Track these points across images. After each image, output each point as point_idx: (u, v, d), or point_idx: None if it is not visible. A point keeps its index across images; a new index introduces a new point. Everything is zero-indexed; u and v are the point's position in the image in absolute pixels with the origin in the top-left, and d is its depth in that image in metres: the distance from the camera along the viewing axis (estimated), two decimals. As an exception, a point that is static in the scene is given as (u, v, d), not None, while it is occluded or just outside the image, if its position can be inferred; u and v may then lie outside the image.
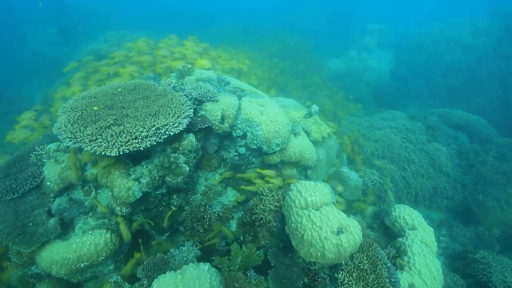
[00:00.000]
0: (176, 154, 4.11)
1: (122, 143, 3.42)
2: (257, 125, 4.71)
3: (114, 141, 3.43)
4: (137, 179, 3.95)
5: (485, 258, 5.55)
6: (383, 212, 5.30)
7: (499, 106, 13.77)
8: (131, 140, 3.47)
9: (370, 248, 3.62)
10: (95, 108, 3.93)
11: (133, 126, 3.58)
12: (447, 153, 8.20)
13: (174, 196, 4.43)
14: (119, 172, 3.90)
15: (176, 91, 5.14)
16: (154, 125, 3.64)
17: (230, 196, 5.06)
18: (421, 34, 16.42)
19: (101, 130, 3.54)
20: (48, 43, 15.06)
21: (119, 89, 4.45)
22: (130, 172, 3.97)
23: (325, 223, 3.56)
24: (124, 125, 3.64)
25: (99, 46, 9.09)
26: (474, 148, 8.45)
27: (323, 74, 13.91)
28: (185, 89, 4.83)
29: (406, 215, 4.63)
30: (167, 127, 3.69)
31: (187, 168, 4.11)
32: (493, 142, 8.54)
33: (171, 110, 3.93)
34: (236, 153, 5.06)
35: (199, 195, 4.73)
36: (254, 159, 5.24)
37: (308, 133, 5.80)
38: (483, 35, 14.90)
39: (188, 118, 3.98)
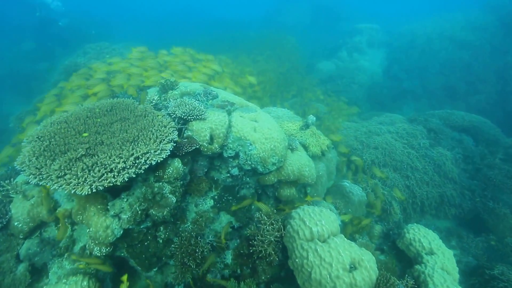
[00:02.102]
0: (160, 184, 3.62)
1: (95, 179, 2.92)
2: (251, 144, 4.23)
3: (86, 176, 2.93)
4: (116, 215, 3.44)
5: (504, 275, 5.11)
6: (393, 231, 4.84)
7: (498, 103, 13.44)
8: (105, 174, 2.97)
9: (388, 284, 3.16)
10: (85, 134, 3.44)
11: (108, 157, 3.08)
12: (452, 158, 7.79)
13: (161, 228, 3.93)
14: (96, 208, 3.39)
15: (159, 109, 4.67)
16: (132, 154, 3.15)
17: (224, 221, 4.59)
18: (413, 31, 16.04)
19: (71, 164, 3.04)
20: (26, 58, 14.46)
21: (97, 109, 3.97)
22: (109, 207, 3.46)
23: (335, 258, 3.09)
24: (98, 155, 3.14)
25: (76, 60, 8.49)
26: (480, 151, 8.05)
27: (314, 77, 13.49)
28: (168, 107, 4.34)
29: (422, 237, 4.17)
30: (148, 155, 3.20)
31: (174, 199, 3.62)
32: (499, 144, 8.14)
33: (152, 135, 3.44)
34: (228, 174, 4.59)
35: (189, 223, 4.24)
36: (248, 178, 4.77)
37: (306, 147, 5.35)
38: (477, 29, 14.56)
39: (172, 143, 3.49)
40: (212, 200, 4.56)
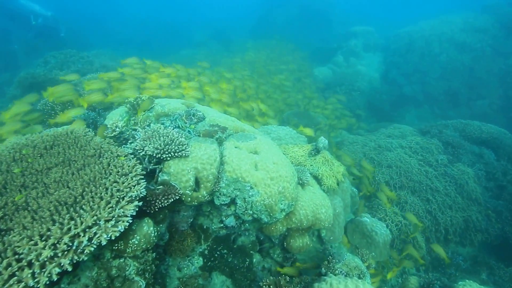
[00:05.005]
0: (121, 261, 2.42)
1: (-3, 284, 1.71)
2: (251, 188, 3.06)
3: (-18, 279, 1.72)
4: (52, 316, 2.23)
5: None
6: (435, 285, 3.75)
7: (501, 108, 12.66)
8: (19, 272, 1.77)
9: None
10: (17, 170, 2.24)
11: (26, 240, 1.88)
12: (474, 176, 6.80)
13: (129, 313, 2.73)
14: (17, 309, 2.17)
15: (126, 139, 3.47)
16: (69, 230, 1.95)
17: (218, 285, 3.43)
18: (410, 34, 15.09)
19: (-38, 253, 1.82)
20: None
21: (32, 148, 2.77)
22: (41, 302, 2.25)
23: None
24: (12, 233, 1.94)
25: (34, 72, 7.13)
26: (503, 167, 7.09)
27: (311, 84, 12.47)
28: (136, 138, 3.14)
29: (482, 304, 3.10)
30: (94, 230, 1.99)
31: (142, 283, 2.42)
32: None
33: (106, 191, 2.24)
34: (222, 225, 3.43)
35: (170, 296, 3.06)
36: (248, 225, 3.62)
37: (318, 179, 4.22)
38: (477, 31, 13.77)
39: (137, 202, 2.30)
40: (201, 258, 3.41)
